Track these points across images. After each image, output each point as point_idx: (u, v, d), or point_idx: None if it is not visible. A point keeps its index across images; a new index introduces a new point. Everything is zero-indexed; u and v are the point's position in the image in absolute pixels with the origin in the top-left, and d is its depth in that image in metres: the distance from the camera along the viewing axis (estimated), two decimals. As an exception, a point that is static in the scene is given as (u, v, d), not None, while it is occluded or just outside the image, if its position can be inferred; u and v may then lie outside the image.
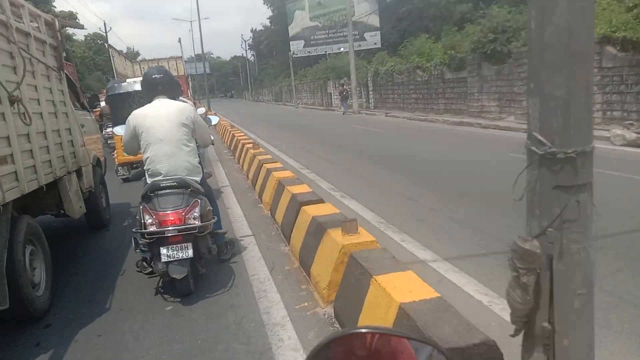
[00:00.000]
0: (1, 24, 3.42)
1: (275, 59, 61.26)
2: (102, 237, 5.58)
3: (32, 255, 3.51)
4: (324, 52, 42.45)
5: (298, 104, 38.97)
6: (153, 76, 3.70)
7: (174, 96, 3.80)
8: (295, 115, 28.29)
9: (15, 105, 3.30)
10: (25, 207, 3.95)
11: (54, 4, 32.50)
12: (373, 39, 41.05)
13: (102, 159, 6.46)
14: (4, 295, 2.85)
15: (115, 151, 8.77)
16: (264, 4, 58.24)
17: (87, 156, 5.47)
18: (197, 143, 3.82)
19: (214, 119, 5.18)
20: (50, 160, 4.15)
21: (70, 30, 31.46)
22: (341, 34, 43.25)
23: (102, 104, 15.95)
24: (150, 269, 3.53)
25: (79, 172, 5.07)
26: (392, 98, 23.85)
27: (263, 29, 68.49)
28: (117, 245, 5.17)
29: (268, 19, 60.23)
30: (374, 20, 41.73)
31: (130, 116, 3.65)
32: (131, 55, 41.19)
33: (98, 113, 15.32)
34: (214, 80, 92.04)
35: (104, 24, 39.70)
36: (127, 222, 6.20)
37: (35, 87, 4.06)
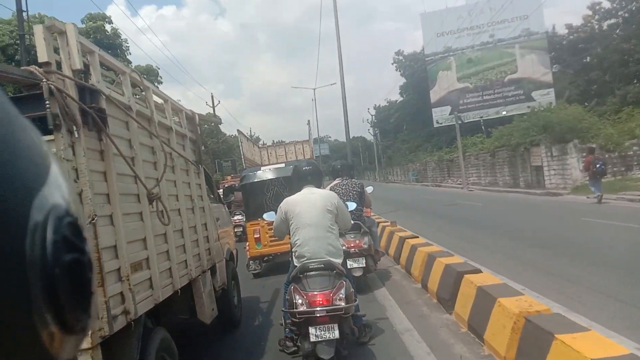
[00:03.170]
0: (144, 118, 3.81)
1: (405, 134, 61.66)
2: (234, 339, 5.73)
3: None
4: (479, 118, 41.54)
5: (467, 184, 31.31)
6: (304, 168, 4.77)
7: (319, 184, 4.82)
8: (515, 211, 17.08)
9: (154, 203, 3.53)
10: (156, 310, 4.11)
11: (129, 57, 33.53)
12: (545, 98, 38.70)
13: (234, 251, 6.90)
14: None
15: (247, 244, 9.29)
16: (397, 70, 60.17)
17: (222, 251, 5.88)
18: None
19: (352, 205, 5.73)
20: (186, 260, 4.37)
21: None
22: (500, 94, 42.17)
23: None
24: (294, 348, 4.43)
25: (212, 269, 5.36)
26: None
27: (387, 104, 70.67)
28: (250, 350, 5.23)
29: (400, 87, 61.49)
30: (546, 76, 39.68)
31: (282, 203, 4.60)
32: (254, 142, 44.69)
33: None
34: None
35: (212, 97, 41.59)
36: (259, 320, 6.47)
37: (175, 182, 4.43)
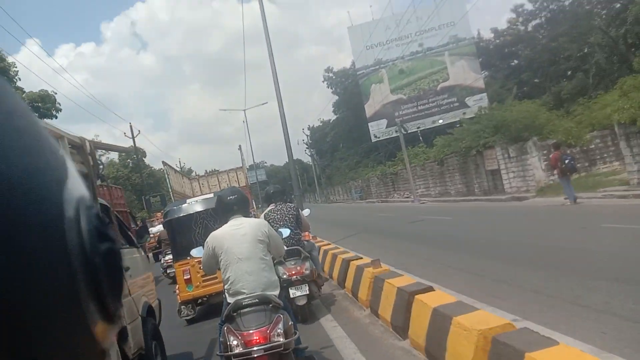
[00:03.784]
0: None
1: (343, 151, 62.22)
2: None
3: None
4: (416, 129, 42.08)
5: (417, 197, 29.53)
6: (228, 198, 4.48)
7: (247, 213, 4.57)
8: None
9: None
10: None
11: (18, 83, 29.31)
12: (479, 104, 39.51)
13: (155, 303, 6.05)
14: None
15: (177, 286, 8.68)
16: (328, 87, 60.74)
17: (135, 307, 4.96)
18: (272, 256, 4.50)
19: (285, 232, 5.66)
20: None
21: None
22: (434, 103, 43.01)
23: (159, 227, 16.79)
24: None
25: (122, 334, 4.32)
26: None
27: (321, 124, 71.57)
28: None
29: (333, 105, 62.21)
30: (478, 82, 40.71)
31: (209, 238, 4.34)
32: (184, 173, 43.20)
33: (153, 242, 16.08)
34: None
35: (130, 128, 36.94)
36: None
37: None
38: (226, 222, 4.42)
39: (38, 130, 0.49)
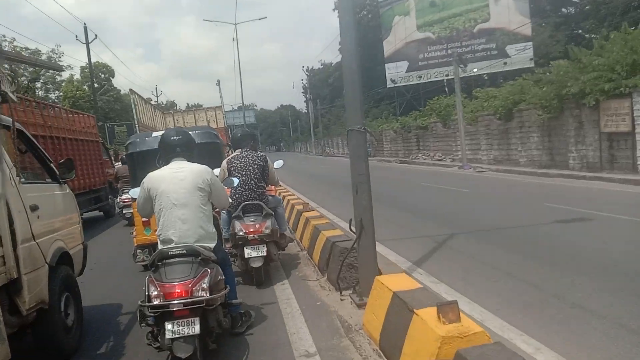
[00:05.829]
0: None
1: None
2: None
3: None
4: (443, 77, 37.15)
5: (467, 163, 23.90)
6: (172, 137, 4.57)
7: (192, 158, 4.62)
8: None
9: None
10: None
11: None
12: (522, 55, 34.90)
13: (75, 249, 5.79)
14: None
15: (134, 228, 8.66)
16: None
17: (40, 254, 4.58)
18: (213, 206, 4.70)
19: (235, 180, 5.86)
20: None
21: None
22: (469, 48, 37.95)
23: (118, 164, 16.99)
24: (157, 344, 4.16)
25: (14, 286, 4.00)
26: None
27: (321, 66, 68.21)
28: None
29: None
30: (525, 27, 35.45)
31: (145, 178, 4.47)
32: (167, 108, 38.72)
33: (113, 176, 15.89)
34: (259, 132, 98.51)
35: (85, 28, 30.75)
36: (107, 347, 5.25)
37: None
38: (167, 164, 4.47)
39: None
